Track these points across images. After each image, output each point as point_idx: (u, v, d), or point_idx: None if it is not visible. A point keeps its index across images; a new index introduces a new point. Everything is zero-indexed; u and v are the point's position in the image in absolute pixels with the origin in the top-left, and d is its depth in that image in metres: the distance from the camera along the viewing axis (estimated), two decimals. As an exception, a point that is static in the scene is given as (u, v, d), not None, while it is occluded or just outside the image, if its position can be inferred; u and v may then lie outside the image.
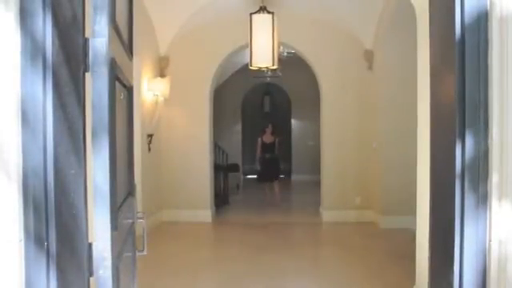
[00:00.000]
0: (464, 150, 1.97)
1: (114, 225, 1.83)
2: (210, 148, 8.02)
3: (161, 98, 7.50)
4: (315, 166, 9.68)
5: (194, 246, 6.37)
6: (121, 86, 2.20)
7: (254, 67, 6.45)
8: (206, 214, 7.87)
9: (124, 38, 2.27)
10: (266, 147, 9.69)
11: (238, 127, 14.31)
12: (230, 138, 13.28)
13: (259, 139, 9.76)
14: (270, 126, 9.78)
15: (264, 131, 9.79)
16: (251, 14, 6.16)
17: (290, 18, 7.29)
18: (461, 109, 1.97)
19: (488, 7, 1.96)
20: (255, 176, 10.33)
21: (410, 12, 4.22)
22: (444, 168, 2.17)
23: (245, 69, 8.93)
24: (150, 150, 7.14)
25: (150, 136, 7.14)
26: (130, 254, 2.42)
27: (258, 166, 10.04)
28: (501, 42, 1.94)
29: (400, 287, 4.43)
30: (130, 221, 2.46)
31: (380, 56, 7.29)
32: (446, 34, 2.11)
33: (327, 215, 7.82)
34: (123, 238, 2.16)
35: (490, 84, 1.96)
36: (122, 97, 2.24)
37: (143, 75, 6.92)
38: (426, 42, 2.70)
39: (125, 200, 2.27)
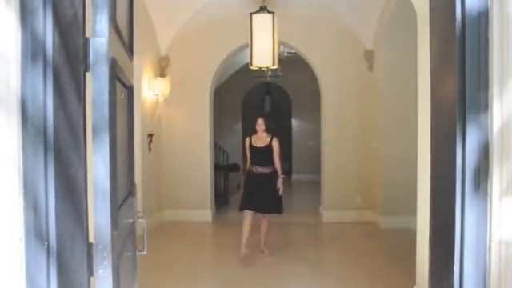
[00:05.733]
0: (464, 150, 1.97)
1: (115, 224, 1.83)
2: (210, 148, 8.02)
3: (161, 98, 7.50)
4: (315, 165, 9.66)
5: (194, 246, 6.36)
6: (121, 85, 2.19)
7: (254, 67, 6.46)
8: (206, 214, 7.87)
9: (124, 38, 2.27)
10: (258, 155, 5.72)
11: (239, 127, 14.32)
12: (230, 138, 13.29)
13: (247, 141, 5.90)
14: (260, 120, 5.81)
15: (254, 129, 5.89)
16: (251, 13, 6.16)
17: (291, 17, 7.28)
18: (461, 108, 1.97)
19: (488, 6, 1.96)
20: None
21: (411, 12, 4.22)
22: (444, 168, 2.16)
23: (245, 69, 8.93)
24: (150, 149, 7.14)
25: (151, 136, 7.14)
26: (130, 253, 2.42)
27: (242, 187, 6.02)
28: (501, 41, 1.94)
29: (400, 287, 4.43)
30: (131, 220, 2.45)
31: (380, 56, 7.28)
32: (446, 33, 2.11)
33: (327, 215, 7.82)
34: (123, 237, 2.16)
35: (491, 83, 1.96)
36: (122, 96, 2.24)
37: (144, 75, 6.92)
38: (426, 42, 2.70)
39: (125, 200, 2.27)
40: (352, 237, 6.89)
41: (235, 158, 12.36)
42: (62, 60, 1.73)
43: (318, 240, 7.09)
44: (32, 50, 1.68)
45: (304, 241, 6.76)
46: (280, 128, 14.35)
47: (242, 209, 5.68)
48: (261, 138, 5.78)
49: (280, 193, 5.65)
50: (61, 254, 1.72)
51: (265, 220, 5.81)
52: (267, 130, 5.80)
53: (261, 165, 5.67)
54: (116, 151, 1.88)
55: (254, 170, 5.70)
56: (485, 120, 1.97)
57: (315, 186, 9.32)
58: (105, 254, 1.78)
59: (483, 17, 1.96)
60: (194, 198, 7.83)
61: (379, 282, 4.67)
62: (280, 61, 6.94)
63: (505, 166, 1.94)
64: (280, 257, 5.67)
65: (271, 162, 5.68)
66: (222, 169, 9.77)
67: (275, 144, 5.73)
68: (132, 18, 2.60)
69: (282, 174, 5.74)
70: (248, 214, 5.59)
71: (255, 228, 5.73)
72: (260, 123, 5.78)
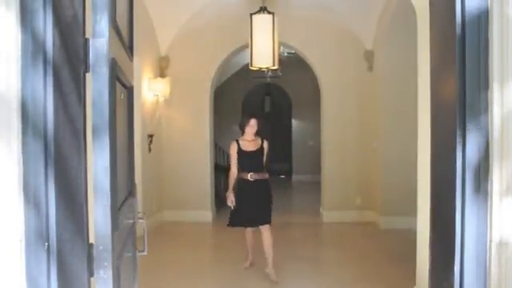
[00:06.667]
0: (464, 150, 1.97)
1: (115, 225, 1.83)
2: (210, 148, 8.02)
3: (161, 98, 7.50)
4: (315, 166, 9.66)
5: (194, 247, 6.36)
6: (121, 86, 2.19)
7: (254, 67, 6.46)
8: (206, 215, 7.87)
9: (124, 38, 2.27)
10: (252, 160, 5.00)
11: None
12: (230, 138, 13.27)
13: (234, 146, 5.06)
14: (253, 120, 5.03)
15: (243, 130, 5.10)
16: (251, 14, 6.16)
17: (291, 18, 7.29)
18: (461, 108, 1.97)
19: (488, 7, 1.96)
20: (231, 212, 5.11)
21: (411, 12, 4.22)
22: (445, 168, 2.16)
23: (245, 69, 8.93)
24: (150, 150, 7.14)
25: (151, 136, 7.14)
26: (130, 254, 2.42)
27: (227, 200, 5.00)
28: (501, 41, 1.94)
29: (400, 287, 4.43)
30: (131, 221, 2.45)
31: (380, 56, 7.28)
32: (446, 33, 2.11)
33: (328, 215, 7.82)
34: (124, 238, 2.16)
35: (491, 83, 1.96)
36: (122, 97, 2.24)
37: (144, 75, 6.92)
38: (426, 42, 2.70)
39: (125, 200, 2.27)
40: (352, 237, 6.88)
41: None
42: (62, 60, 1.73)
43: (319, 240, 7.08)
44: (32, 51, 1.68)
45: (304, 241, 6.76)
46: (280, 128, 14.47)
47: (241, 225, 5.01)
48: (250, 142, 5.03)
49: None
50: (61, 255, 1.72)
51: (266, 237, 4.85)
52: (256, 133, 5.06)
53: (256, 171, 4.95)
54: (116, 152, 1.88)
55: (249, 177, 4.91)
56: (485, 120, 1.96)
57: (315, 186, 9.32)
58: (105, 255, 1.77)
59: (483, 17, 1.96)
60: (194, 198, 7.83)
61: (379, 283, 4.66)
62: (280, 61, 6.94)
63: (505, 167, 1.93)
64: (280, 257, 5.66)
65: (262, 166, 5.01)
66: (221, 169, 9.76)
67: (266, 146, 5.06)
68: (132, 18, 2.60)
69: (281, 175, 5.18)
70: (249, 230, 5.13)
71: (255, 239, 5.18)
72: (252, 124, 5.00)
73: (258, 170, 4.98)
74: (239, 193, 4.97)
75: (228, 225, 5.04)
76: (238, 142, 5.07)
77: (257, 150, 5.01)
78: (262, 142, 5.07)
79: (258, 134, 5.10)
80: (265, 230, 4.87)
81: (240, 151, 5.01)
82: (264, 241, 4.86)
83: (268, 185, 5.06)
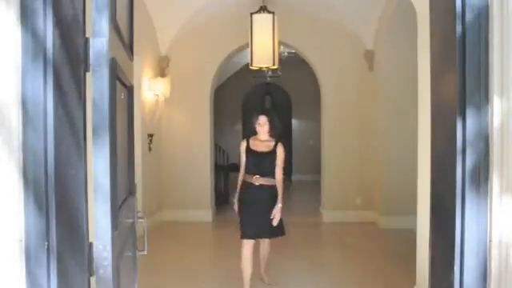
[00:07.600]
0: (464, 150, 1.97)
1: (115, 224, 1.83)
2: (210, 148, 8.02)
3: (161, 98, 7.51)
4: (316, 165, 9.65)
5: (194, 246, 6.36)
6: (121, 85, 2.20)
7: (254, 67, 6.46)
8: (206, 214, 7.87)
9: (124, 38, 2.27)
10: (258, 162, 4.42)
11: (239, 127, 14.33)
12: (230, 138, 13.29)
13: (243, 143, 4.53)
14: (263, 118, 4.42)
15: (254, 130, 4.52)
16: (252, 13, 6.16)
17: (291, 17, 7.29)
18: (461, 108, 1.97)
19: (488, 6, 1.96)
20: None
21: (411, 12, 4.22)
22: (445, 168, 2.16)
23: (245, 69, 8.93)
24: (150, 149, 7.14)
25: (151, 136, 7.14)
26: (130, 253, 2.42)
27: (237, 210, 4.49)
28: (501, 41, 1.94)
29: (400, 287, 4.43)
30: (131, 220, 2.46)
31: (381, 56, 7.28)
32: (446, 33, 2.10)
33: (328, 215, 7.82)
34: (124, 237, 2.16)
35: (491, 83, 1.96)
36: (122, 96, 2.24)
37: (144, 75, 6.92)
38: (426, 42, 2.70)
39: (125, 200, 2.27)
40: (352, 237, 6.88)
41: (235, 158, 12.35)
42: (62, 60, 1.73)
43: (319, 240, 7.09)
44: (32, 50, 1.68)
45: (304, 241, 6.76)
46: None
47: (243, 237, 4.32)
48: (263, 142, 4.43)
49: (275, 222, 4.30)
50: (61, 254, 1.72)
51: (266, 243, 4.68)
52: (271, 132, 4.44)
53: (262, 175, 4.34)
54: (116, 151, 1.89)
55: (254, 180, 4.33)
56: (485, 120, 1.96)
57: (315, 186, 9.32)
58: (105, 254, 1.78)
59: (483, 17, 1.96)
60: (194, 197, 7.83)
61: (379, 282, 4.67)
62: (280, 61, 6.93)
63: (505, 167, 1.93)
64: (280, 256, 5.67)
65: (274, 174, 4.38)
66: (221, 169, 9.77)
67: (280, 150, 4.38)
68: (132, 17, 2.60)
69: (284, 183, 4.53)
70: (248, 244, 4.30)
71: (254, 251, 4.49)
72: (263, 122, 4.39)
73: (266, 173, 4.35)
74: (243, 199, 4.42)
75: (241, 237, 4.35)
76: (248, 139, 4.51)
77: (267, 152, 4.39)
78: (276, 146, 4.41)
79: (272, 134, 4.46)
80: (265, 242, 4.67)
81: (248, 150, 4.43)
82: (262, 251, 4.74)
83: (274, 193, 4.37)
